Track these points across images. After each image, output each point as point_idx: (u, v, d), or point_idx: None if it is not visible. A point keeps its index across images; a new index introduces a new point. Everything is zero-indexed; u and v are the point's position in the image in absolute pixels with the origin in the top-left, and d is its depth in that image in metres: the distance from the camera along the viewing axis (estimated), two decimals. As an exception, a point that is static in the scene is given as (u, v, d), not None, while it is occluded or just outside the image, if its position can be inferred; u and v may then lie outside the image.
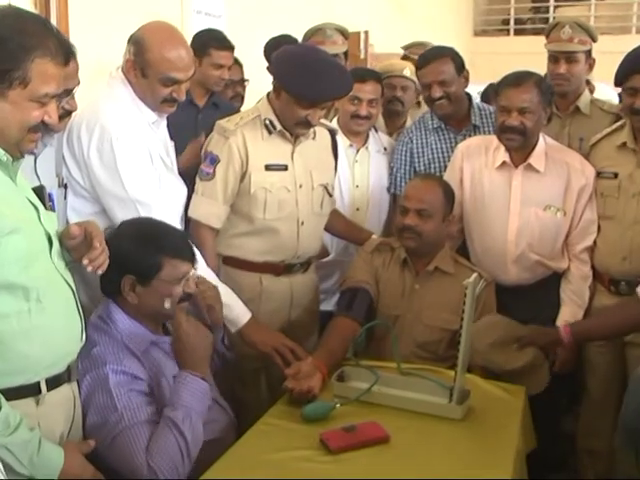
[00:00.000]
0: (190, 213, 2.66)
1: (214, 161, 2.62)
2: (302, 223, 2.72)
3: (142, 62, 2.40)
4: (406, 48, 4.56)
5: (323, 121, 2.87)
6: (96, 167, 2.36)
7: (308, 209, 2.74)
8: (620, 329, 2.52)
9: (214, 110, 3.27)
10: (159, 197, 2.44)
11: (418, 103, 3.85)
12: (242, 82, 3.68)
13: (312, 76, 2.49)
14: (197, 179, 2.68)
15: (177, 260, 2.11)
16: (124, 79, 2.45)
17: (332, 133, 2.91)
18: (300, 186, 2.71)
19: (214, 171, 2.62)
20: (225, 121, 2.68)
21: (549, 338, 2.49)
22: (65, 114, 2.22)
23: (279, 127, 2.64)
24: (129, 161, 2.36)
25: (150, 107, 2.47)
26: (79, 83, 2.24)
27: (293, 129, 2.64)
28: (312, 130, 2.73)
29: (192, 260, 2.18)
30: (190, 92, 3.26)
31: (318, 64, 2.54)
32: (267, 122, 2.64)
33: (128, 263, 2.05)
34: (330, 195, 2.85)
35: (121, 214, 2.37)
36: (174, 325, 2.10)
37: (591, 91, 3.96)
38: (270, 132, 2.65)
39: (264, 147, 2.65)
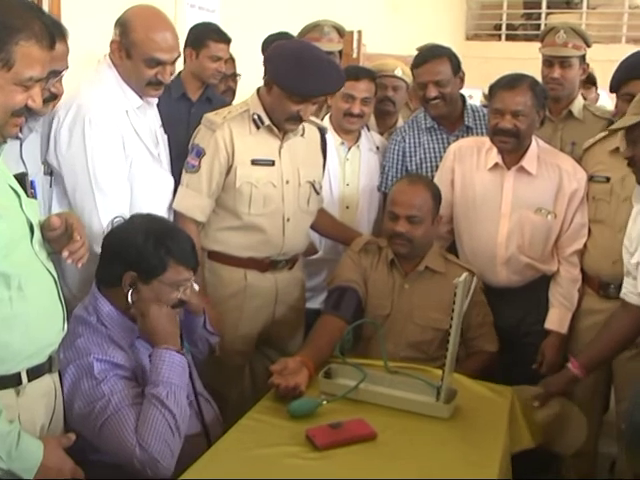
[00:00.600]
0: (174, 205, 2.65)
1: (200, 154, 2.62)
2: (288, 219, 2.71)
3: (127, 43, 2.41)
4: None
5: (313, 119, 2.87)
6: (64, 145, 2.34)
7: (294, 205, 2.73)
8: (621, 343, 2.50)
9: (207, 104, 3.25)
10: (121, 187, 2.41)
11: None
12: (234, 77, 3.67)
13: (305, 71, 2.49)
14: (183, 171, 2.67)
15: (182, 266, 2.11)
16: (110, 63, 2.46)
17: (322, 131, 2.90)
18: (287, 182, 2.70)
19: (199, 164, 2.61)
20: (213, 114, 2.67)
21: (563, 382, 2.46)
22: (51, 97, 2.19)
23: (267, 122, 2.63)
24: (98, 146, 2.35)
25: (135, 90, 2.47)
26: (67, 67, 2.21)
27: (283, 124, 2.63)
28: (301, 127, 2.72)
29: (195, 269, 2.19)
30: (184, 86, 3.25)
31: (311, 59, 2.53)
32: (255, 117, 2.63)
33: (134, 258, 2.06)
34: (317, 193, 2.84)
35: (79, 197, 2.35)
36: (140, 308, 2.07)
37: (595, 99, 3.98)
38: (258, 127, 2.64)
39: (251, 142, 2.64)
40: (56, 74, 2.15)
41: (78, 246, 1.82)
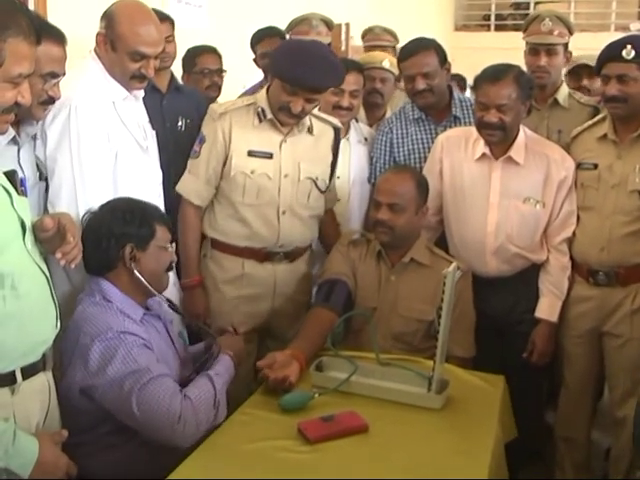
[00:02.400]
0: (177, 187, 2.78)
1: (202, 140, 2.75)
2: (283, 212, 2.74)
3: (112, 35, 2.42)
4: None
5: (328, 118, 2.90)
6: (46, 129, 2.31)
7: (291, 199, 2.76)
8: None
9: (177, 95, 3.23)
10: (103, 179, 2.40)
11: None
12: (220, 72, 3.63)
13: (300, 62, 2.54)
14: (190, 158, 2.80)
15: (164, 227, 2.24)
16: (95, 56, 2.47)
17: (336, 131, 2.91)
18: (285, 175, 2.73)
19: (200, 150, 2.74)
20: (217, 105, 2.83)
21: None
22: (48, 101, 2.19)
23: (270, 116, 2.69)
24: (82, 133, 2.34)
25: (120, 83, 2.47)
26: (65, 74, 2.21)
27: (277, 115, 2.67)
28: (307, 124, 2.76)
29: (170, 227, 2.31)
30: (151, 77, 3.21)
31: (311, 54, 2.60)
32: (259, 110, 2.70)
33: (125, 232, 2.15)
34: (321, 190, 2.84)
35: (57, 185, 2.32)
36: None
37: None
38: (260, 120, 2.70)
39: (252, 133, 2.71)
40: (55, 76, 2.15)
41: (71, 247, 1.83)
